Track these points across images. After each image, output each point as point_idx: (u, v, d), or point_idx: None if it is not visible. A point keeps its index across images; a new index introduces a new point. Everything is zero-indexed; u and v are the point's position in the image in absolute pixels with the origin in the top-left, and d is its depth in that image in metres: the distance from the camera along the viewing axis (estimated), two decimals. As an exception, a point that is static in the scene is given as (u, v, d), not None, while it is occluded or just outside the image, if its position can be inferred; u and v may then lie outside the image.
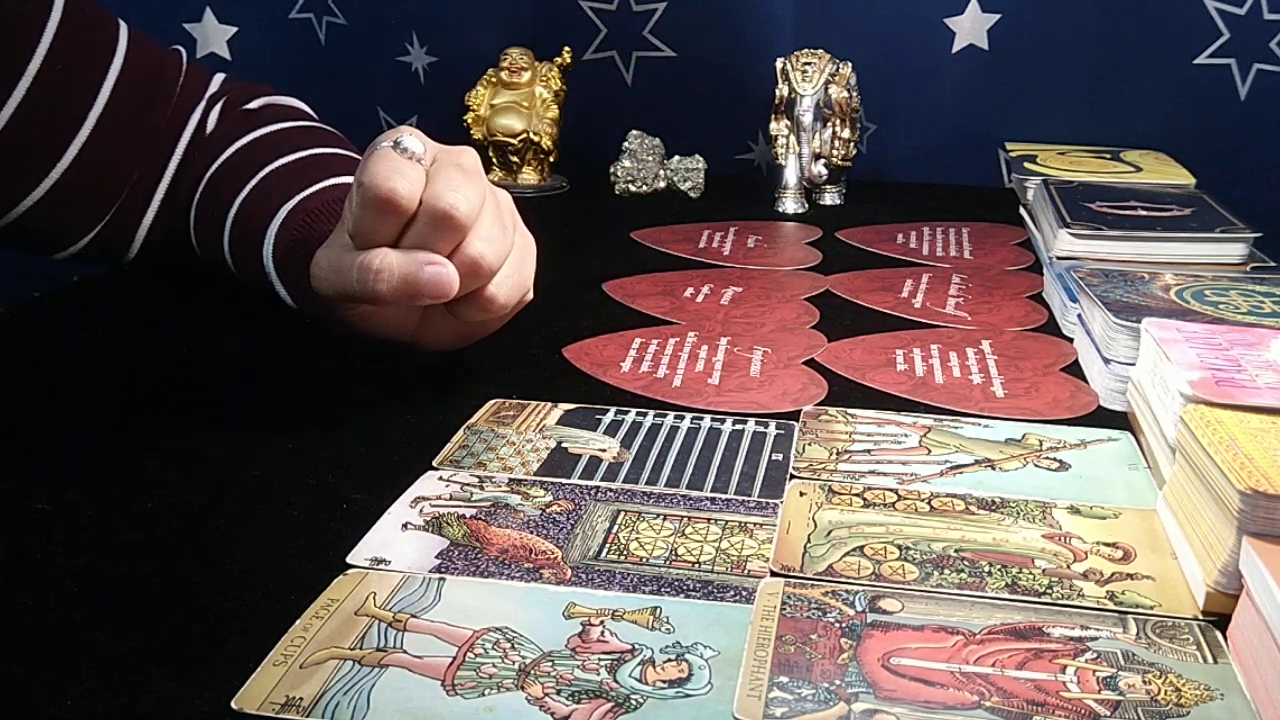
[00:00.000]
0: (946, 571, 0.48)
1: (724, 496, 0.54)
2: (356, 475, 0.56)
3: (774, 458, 0.58)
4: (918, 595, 0.46)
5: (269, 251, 0.67)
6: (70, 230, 0.71)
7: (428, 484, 0.55)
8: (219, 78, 0.78)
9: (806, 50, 1.05)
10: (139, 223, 0.72)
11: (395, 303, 0.56)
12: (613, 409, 0.63)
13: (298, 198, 0.67)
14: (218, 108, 0.75)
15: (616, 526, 0.51)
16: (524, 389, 0.66)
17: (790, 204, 1.06)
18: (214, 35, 1.22)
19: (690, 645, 0.43)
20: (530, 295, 0.62)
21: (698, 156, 1.12)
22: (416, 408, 0.64)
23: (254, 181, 0.70)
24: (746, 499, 0.54)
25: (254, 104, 0.77)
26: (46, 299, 0.81)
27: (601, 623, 0.44)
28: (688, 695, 0.40)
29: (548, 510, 0.53)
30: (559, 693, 0.40)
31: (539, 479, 0.56)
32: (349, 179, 0.68)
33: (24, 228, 0.70)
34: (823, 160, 1.06)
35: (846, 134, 1.05)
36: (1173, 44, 1.11)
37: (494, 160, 1.12)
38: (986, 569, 0.48)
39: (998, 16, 1.13)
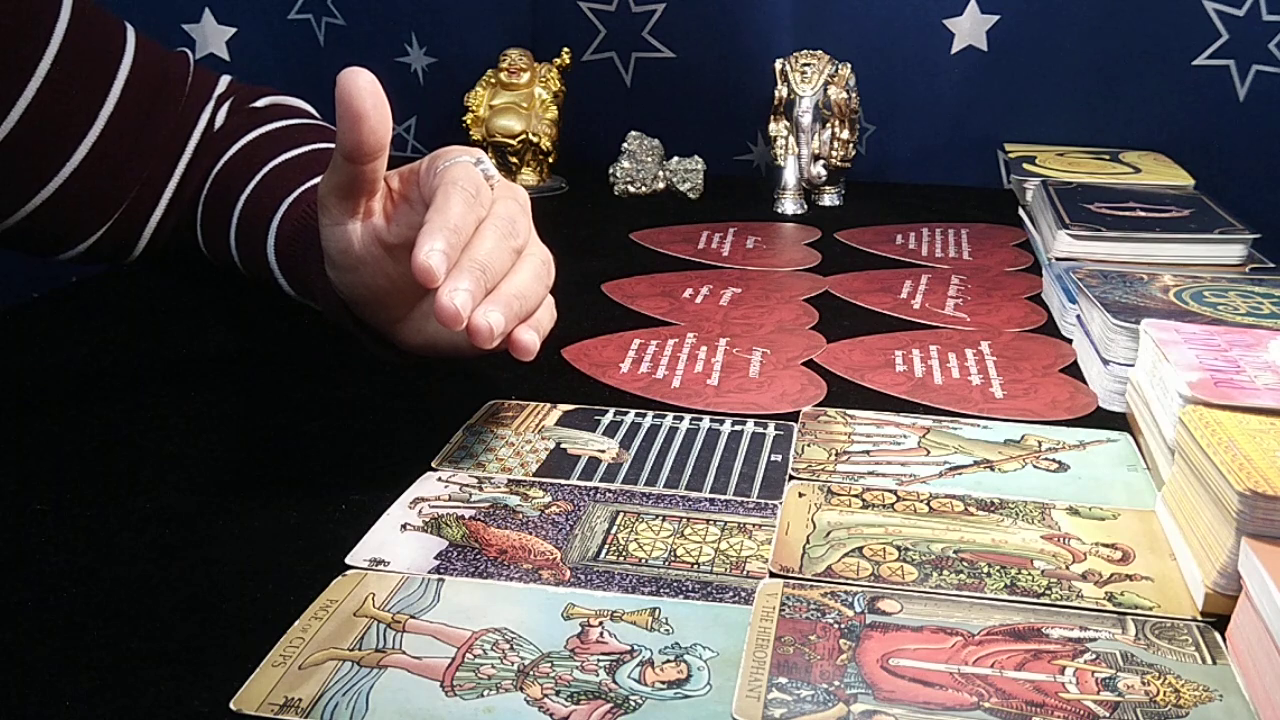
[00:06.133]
0: (945, 572, 0.48)
1: (723, 497, 0.54)
2: (356, 475, 0.56)
3: (773, 459, 0.58)
4: (917, 596, 0.46)
5: (271, 245, 0.67)
6: (77, 230, 0.71)
7: (427, 485, 0.55)
8: (225, 79, 0.78)
9: (805, 51, 1.05)
10: (146, 222, 0.73)
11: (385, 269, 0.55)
12: (612, 410, 0.63)
13: (299, 190, 0.67)
14: (226, 106, 0.75)
15: (615, 527, 0.51)
16: (523, 389, 0.66)
17: (789, 205, 1.06)
18: (213, 36, 1.22)
19: (689, 646, 0.43)
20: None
21: (697, 157, 1.12)
22: (416, 408, 0.64)
23: (258, 177, 0.70)
24: (745, 500, 0.54)
25: (260, 102, 0.77)
26: (45, 299, 0.82)
27: (600, 623, 0.44)
28: (687, 696, 0.40)
29: (547, 511, 0.53)
30: (558, 693, 0.40)
31: (538, 480, 0.56)
32: None
33: (30, 228, 0.70)
34: (822, 161, 1.06)
35: (845, 135, 1.05)
36: (1172, 45, 1.11)
37: (493, 161, 1.12)
38: (985, 570, 0.48)
39: (997, 17, 1.14)
